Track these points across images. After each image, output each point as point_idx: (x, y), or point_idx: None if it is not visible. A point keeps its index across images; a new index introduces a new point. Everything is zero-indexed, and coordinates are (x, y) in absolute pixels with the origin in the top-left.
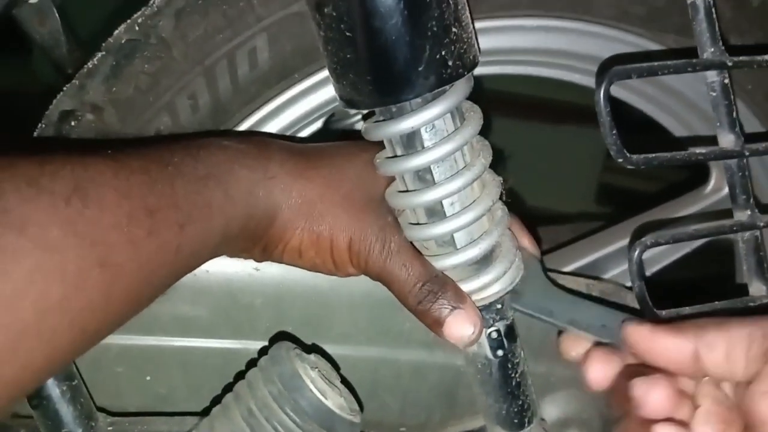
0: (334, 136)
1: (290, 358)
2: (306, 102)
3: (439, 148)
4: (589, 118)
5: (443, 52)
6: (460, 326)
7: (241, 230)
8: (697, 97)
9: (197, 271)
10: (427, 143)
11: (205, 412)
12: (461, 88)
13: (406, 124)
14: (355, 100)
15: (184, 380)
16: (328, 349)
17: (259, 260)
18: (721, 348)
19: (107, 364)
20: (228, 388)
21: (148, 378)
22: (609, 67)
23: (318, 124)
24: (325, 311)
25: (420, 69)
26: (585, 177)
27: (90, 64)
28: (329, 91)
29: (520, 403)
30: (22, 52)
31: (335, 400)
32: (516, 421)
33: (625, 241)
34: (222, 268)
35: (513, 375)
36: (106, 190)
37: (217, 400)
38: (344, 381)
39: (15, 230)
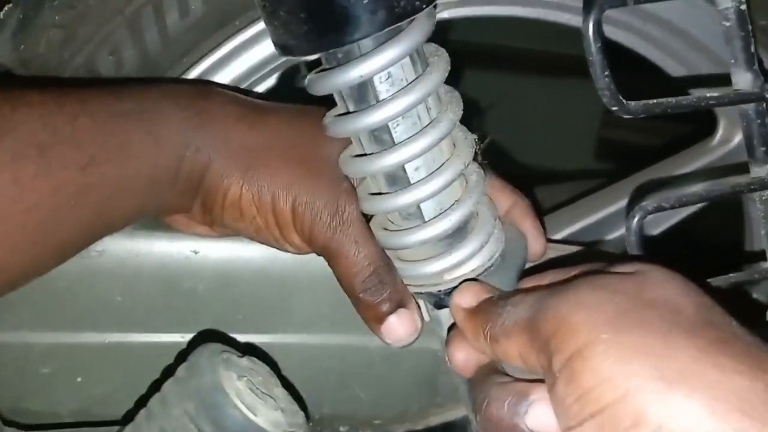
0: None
1: (212, 366)
2: (250, 55)
3: (397, 101)
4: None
5: None
6: (402, 328)
7: (172, 176)
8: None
9: (125, 254)
10: (382, 95)
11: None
12: (421, 25)
13: (355, 73)
14: (290, 44)
15: (125, 380)
16: (288, 338)
17: (200, 221)
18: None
19: (30, 365)
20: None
21: (79, 379)
22: None
23: (270, 81)
24: (282, 296)
25: (364, 1)
26: (583, 132)
27: None
28: None
29: None
30: None
31: (267, 416)
32: None
33: (625, 202)
34: (153, 250)
35: None
36: None
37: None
38: (287, 385)
39: None
